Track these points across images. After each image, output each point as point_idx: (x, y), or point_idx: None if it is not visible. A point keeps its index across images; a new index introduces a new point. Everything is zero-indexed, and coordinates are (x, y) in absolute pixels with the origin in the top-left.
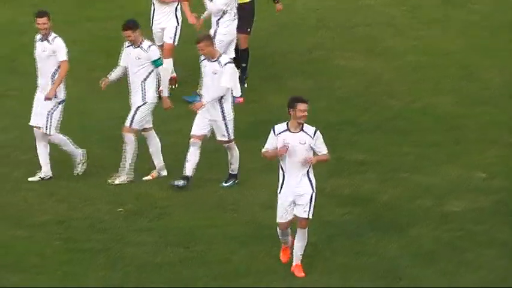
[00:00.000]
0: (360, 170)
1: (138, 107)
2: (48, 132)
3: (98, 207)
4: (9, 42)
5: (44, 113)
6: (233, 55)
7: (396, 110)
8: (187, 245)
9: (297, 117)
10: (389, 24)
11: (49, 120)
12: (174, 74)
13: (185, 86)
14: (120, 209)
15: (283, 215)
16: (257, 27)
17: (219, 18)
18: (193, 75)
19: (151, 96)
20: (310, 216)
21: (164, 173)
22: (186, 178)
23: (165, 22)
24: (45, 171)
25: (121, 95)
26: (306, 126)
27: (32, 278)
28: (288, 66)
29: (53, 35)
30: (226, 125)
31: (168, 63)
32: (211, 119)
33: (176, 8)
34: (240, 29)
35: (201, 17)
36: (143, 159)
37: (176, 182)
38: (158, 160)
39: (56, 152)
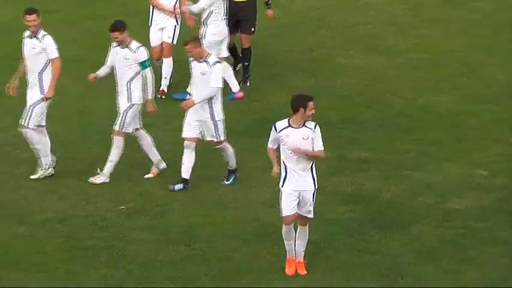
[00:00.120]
0: (362, 168)
1: (126, 111)
2: (25, 124)
3: (99, 205)
4: (10, 41)
5: (26, 106)
6: (226, 54)
7: (398, 108)
8: (188, 243)
9: (307, 115)
10: (391, 23)
11: (29, 112)
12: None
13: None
14: (123, 207)
15: (288, 208)
16: (258, 27)
17: (206, 19)
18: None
19: (137, 97)
20: (314, 216)
21: (163, 165)
22: (184, 181)
23: (164, 22)
24: (46, 162)
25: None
26: (307, 122)
27: (34, 276)
28: (290, 65)
29: (42, 32)
30: (215, 125)
31: (167, 63)
32: (199, 119)
33: (175, 8)
34: (244, 29)
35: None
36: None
37: (174, 187)
38: (153, 156)
39: (57, 150)
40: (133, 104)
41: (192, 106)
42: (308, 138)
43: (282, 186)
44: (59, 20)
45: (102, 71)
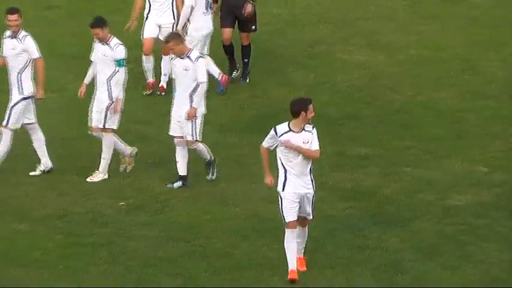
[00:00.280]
0: (362, 164)
1: (107, 107)
2: (4, 124)
3: (99, 202)
4: None
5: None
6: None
7: (398, 104)
8: (188, 239)
9: (308, 118)
10: (391, 19)
11: (8, 112)
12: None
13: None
14: (122, 203)
15: (291, 212)
16: (259, 23)
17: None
18: None
19: (117, 93)
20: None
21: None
22: (182, 178)
23: (162, 19)
24: (44, 163)
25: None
26: (305, 125)
27: (34, 272)
28: (290, 60)
29: (23, 33)
30: (194, 121)
31: (167, 60)
32: (177, 115)
33: (172, 4)
34: (245, 28)
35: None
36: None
37: (173, 185)
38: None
39: (58, 146)
40: (113, 101)
41: (195, 114)
42: (308, 142)
43: (283, 190)
44: (60, 16)
45: (90, 73)
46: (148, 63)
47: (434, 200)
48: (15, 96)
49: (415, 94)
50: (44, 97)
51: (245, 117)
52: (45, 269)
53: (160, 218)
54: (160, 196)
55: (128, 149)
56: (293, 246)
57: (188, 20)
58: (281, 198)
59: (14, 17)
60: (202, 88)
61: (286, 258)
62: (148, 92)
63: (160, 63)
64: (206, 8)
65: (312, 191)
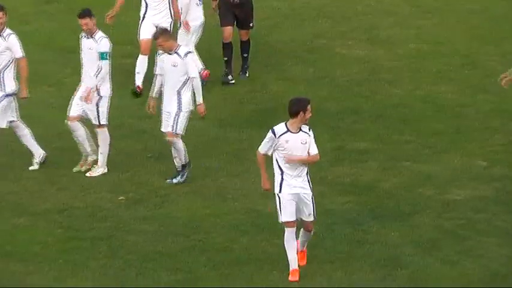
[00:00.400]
0: (361, 159)
1: (98, 104)
2: None
3: (99, 196)
4: None
5: None
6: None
7: (397, 99)
8: (187, 234)
9: (306, 118)
10: (390, 13)
11: None
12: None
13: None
14: (122, 198)
15: (288, 213)
16: (258, 17)
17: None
18: None
19: (106, 90)
20: (315, 217)
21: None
22: (184, 166)
23: (159, 19)
24: (36, 152)
25: (123, 85)
26: (302, 125)
27: (34, 267)
28: (290, 55)
29: (8, 31)
30: (177, 116)
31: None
32: (168, 111)
33: (169, 3)
34: (243, 25)
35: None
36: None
37: (172, 180)
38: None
39: (56, 140)
40: (102, 96)
41: (204, 109)
42: (306, 143)
43: (280, 191)
44: (59, 10)
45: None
46: (143, 64)
47: (434, 195)
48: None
49: (414, 88)
50: (28, 96)
51: (244, 112)
52: (44, 263)
53: (160, 212)
54: (159, 190)
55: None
56: (293, 245)
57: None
58: (278, 199)
59: None
60: (197, 82)
61: (287, 258)
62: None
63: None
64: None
65: (309, 192)
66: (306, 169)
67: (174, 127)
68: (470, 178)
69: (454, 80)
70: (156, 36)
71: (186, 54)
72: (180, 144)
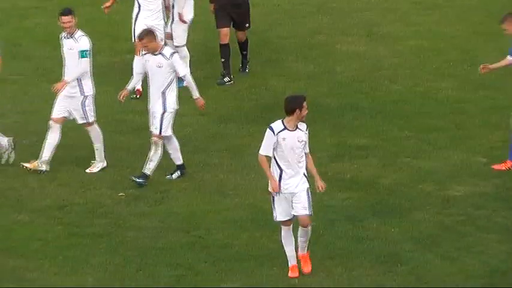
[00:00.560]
0: (361, 155)
1: (83, 103)
2: None
3: (99, 192)
4: (11, 27)
5: None
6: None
7: (397, 95)
8: (188, 230)
9: (302, 116)
10: (390, 10)
11: None
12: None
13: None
14: (121, 194)
15: (284, 212)
16: (258, 13)
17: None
18: None
19: (89, 89)
20: (311, 212)
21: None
22: (179, 167)
23: (151, 20)
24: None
25: (125, 80)
26: (299, 123)
27: (34, 263)
28: (290, 51)
29: None
30: (162, 117)
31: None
32: (153, 110)
33: (162, 5)
34: (240, 26)
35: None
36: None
37: (172, 176)
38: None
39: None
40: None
41: (203, 103)
42: (302, 141)
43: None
44: (59, 6)
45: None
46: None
47: (434, 191)
48: None
49: (414, 85)
50: None
51: (245, 108)
52: (44, 259)
53: (160, 208)
54: (159, 187)
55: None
56: (291, 241)
57: (173, 6)
58: (273, 198)
59: None
60: (188, 79)
61: (286, 256)
62: (137, 96)
63: None
64: None
65: (304, 188)
66: (304, 167)
67: (159, 129)
68: (470, 174)
69: (454, 76)
70: (141, 37)
71: (171, 55)
72: (160, 150)
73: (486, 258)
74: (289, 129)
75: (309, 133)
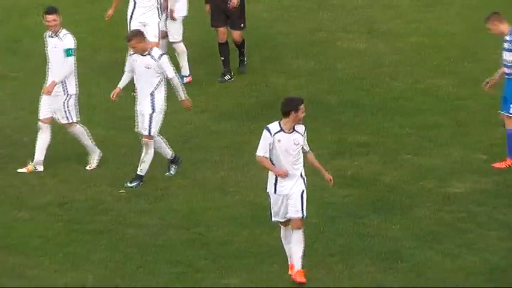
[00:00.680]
0: (362, 152)
1: (65, 103)
2: None
3: (99, 189)
4: (11, 24)
5: None
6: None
7: (398, 92)
8: (188, 227)
9: (299, 118)
10: (391, 6)
11: None
12: None
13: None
14: (122, 191)
15: (280, 213)
16: (259, 10)
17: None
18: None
19: (72, 88)
20: (304, 214)
21: None
22: (172, 161)
23: (146, 17)
24: None
25: None
26: (297, 125)
27: (34, 260)
28: (290, 47)
29: None
30: (151, 117)
31: None
32: (140, 110)
33: (158, 2)
34: (234, 26)
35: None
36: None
37: (170, 172)
38: None
39: (57, 133)
40: (69, 94)
41: (189, 105)
42: (298, 144)
43: (274, 192)
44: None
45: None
46: None
47: (434, 188)
48: None
49: (414, 82)
50: None
51: (245, 105)
52: (45, 256)
53: (160, 205)
54: (160, 184)
55: None
56: (290, 240)
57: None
58: (270, 199)
59: None
60: (176, 81)
61: (286, 255)
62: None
63: None
64: None
65: (300, 189)
66: (301, 168)
67: (148, 129)
68: (471, 171)
69: (455, 73)
70: (129, 38)
71: (160, 56)
72: (152, 151)
73: (487, 255)
74: (286, 131)
75: (307, 133)
